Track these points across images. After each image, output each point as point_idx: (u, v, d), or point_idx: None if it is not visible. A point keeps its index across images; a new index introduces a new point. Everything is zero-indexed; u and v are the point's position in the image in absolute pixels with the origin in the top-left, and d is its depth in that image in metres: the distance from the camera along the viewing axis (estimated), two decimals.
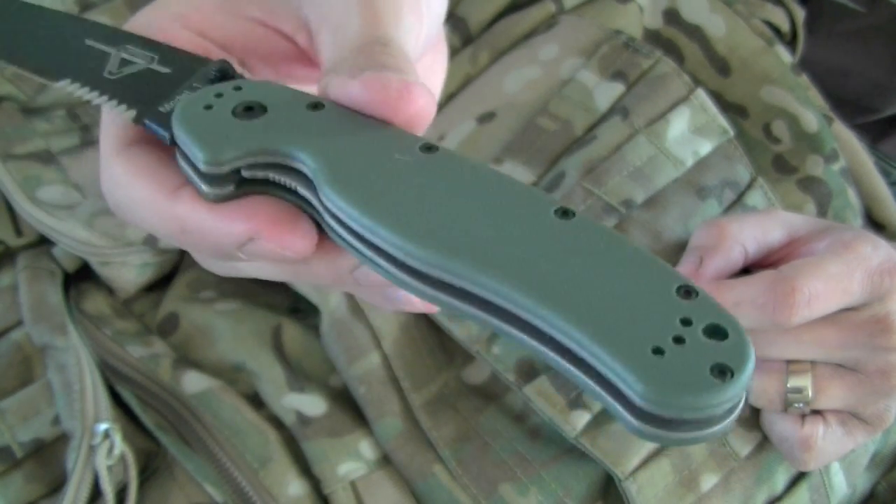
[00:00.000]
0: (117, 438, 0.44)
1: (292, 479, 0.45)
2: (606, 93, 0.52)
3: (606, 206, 0.49)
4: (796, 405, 0.44)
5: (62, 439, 0.46)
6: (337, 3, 0.30)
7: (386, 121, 0.28)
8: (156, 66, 0.31)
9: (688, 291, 0.25)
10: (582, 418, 0.44)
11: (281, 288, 0.50)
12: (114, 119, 0.30)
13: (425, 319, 0.48)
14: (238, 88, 0.29)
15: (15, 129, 0.52)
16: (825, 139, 0.57)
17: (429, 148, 0.27)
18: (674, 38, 0.60)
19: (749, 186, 0.52)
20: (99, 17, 0.54)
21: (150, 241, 0.48)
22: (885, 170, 0.62)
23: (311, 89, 0.31)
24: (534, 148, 0.51)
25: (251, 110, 0.28)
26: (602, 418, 0.44)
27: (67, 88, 0.32)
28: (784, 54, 0.59)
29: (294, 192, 0.28)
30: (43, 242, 0.53)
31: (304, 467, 0.46)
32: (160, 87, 0.30)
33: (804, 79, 0.59)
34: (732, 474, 0.46)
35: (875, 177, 0.60)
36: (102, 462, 0.43)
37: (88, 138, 0.55)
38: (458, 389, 0.48)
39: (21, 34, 0.34)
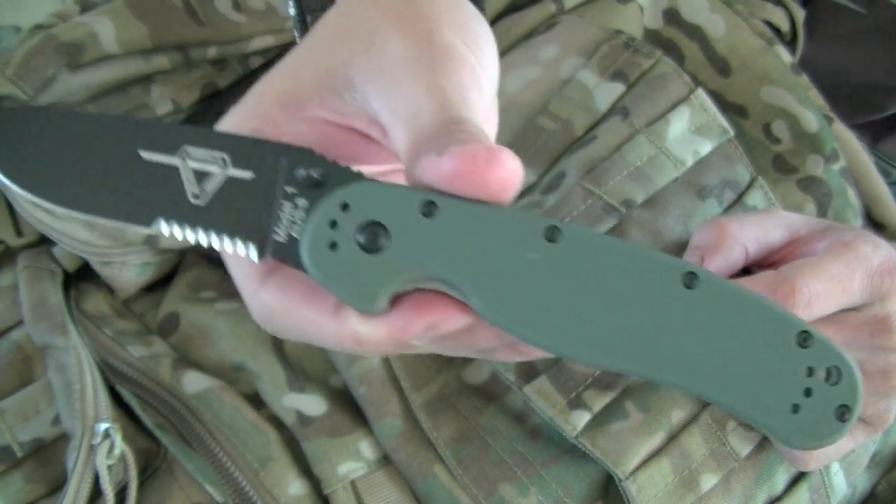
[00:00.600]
0: (117, 438, 0.44)
1: (293, 479, 0.45)
2: (606, 93, 0.52)
3: (607, 205, 0.49)
4: None
5: (62, 439, 0.46)
6: (405, 95, 0.31)
7: (484, 195, 0.28)
8: (233, 172, 0.30)
9: (805, 337, 0.27)
10: (582, 418, 0.44)
11: None
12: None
13: None
14: (345, 207, 0.28)
15: None
16: (825, 139, 0.57)
17: (552, 234, 0.28)
18: (674, 38, 0.60)
19: (749, 186, 0.52)
20: (99, 17, 0.54)
21: (151, 240, 0.48)
22: (885, 170, 0.62)
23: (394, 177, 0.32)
24: (534, 148, 0.51)
25: (374, 236, 0.28)
26: (602, 418, 0.44)
27: (163, 231, 0.30)
28: (784, 54, 0.59)
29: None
30: (43, 242, 0.53)
31: (305, 467, 0.46)
32: (254, 200, 0.29)
33: (804, 79, 0.59)
34: (732, 474, 0.46)
35: (875, 177, 0.60)
36: (102, 462, 0.43)
37: None
38: (459, 389, 0.48)
39: (67, 168, 0.30)
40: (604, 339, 0.28)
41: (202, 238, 0.30)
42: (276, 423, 0.47)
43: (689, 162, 0.51)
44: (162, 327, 0.51)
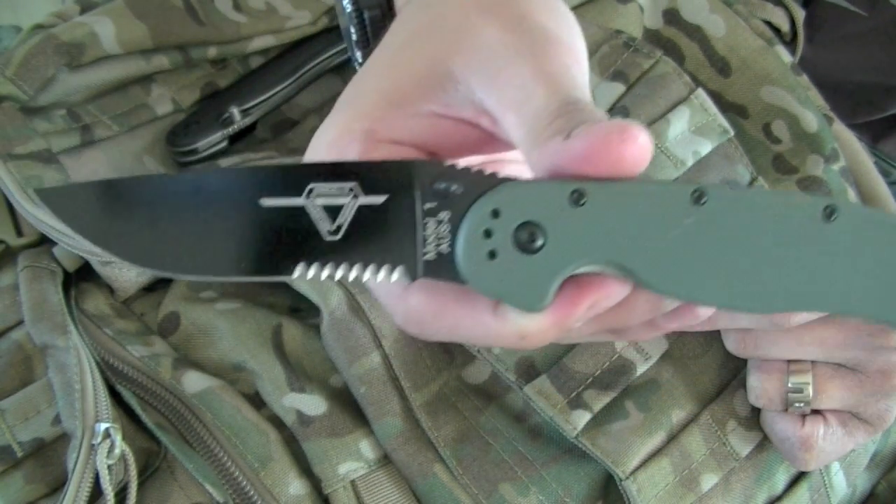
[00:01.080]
0: (118, 438, 0.44)
1: (293, 479, 0.45)
2: (607, 93, 0.52)
3: None
4: (797, 405, 0.44)
5: (62, 439, 0.46)
6: (511, 83, 0.31)
7: (618, 172, 0.28)
8: (364, 200, 0.29)
9: None
10: (582, 418, 0.44)
11: (281, 288, 0.50)
12: None
13: None
14: (496, 213, 0.28)
15: (15, 129, 0.52)
16: (825, 139, 0.57)
17: (699, 196, 0.28)
18: (674, 38, 0.60)
19: (749, 186, 0.52)
20: (99, 17, 0.54)
21: None
22: (885, 170, 0.62)
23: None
24: None
25: (531, 236, 0.28)
26: (602, 418, 0.44)
27: (304, 275, 0.29)
28: (784, 54, 0.59)
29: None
30: (44, 242, 0.53)
31: (305, 467, 0.46)
32: (392, 223, 0.29)
33: (804, 79, 0.59)
34: (733, 474, 0.46)
35: (875, 177, 0.60)
36: (103, 461, 0.43)
37: (89, 138, 0.55)
38: (459, 389, 0.48)
39: (185, 236, 0.29)
40: (763, 285, 0.29)
41: (346, 273, 0.29)
42: (277, 422, 0.47)
43: (690, 162, 0.51)
44: (162, 327, 0.51)
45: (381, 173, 0.29)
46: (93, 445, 0.44)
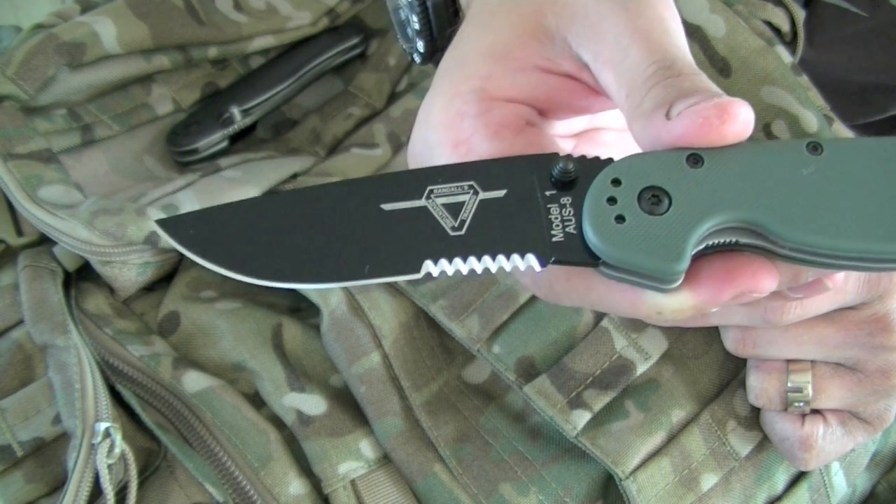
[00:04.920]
0: (118, 437, 0.44)
1: (293, 479, 0.45)
2: None
3: None
4: (796, 404, 0.44)
5: (62, 438, 0.46)
6: (605, 40, 0.31)
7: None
8: (485, 195, 0.30)
9: None
10: (582, 418, 0.44)
11: (281, 287, 0.50)
12: None
13: (426, 319, 0.48)
14: (617, 182, 0.29)
15: (16, 129, 0.52)
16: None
17: (815, 148, 0.29)
18: None
19: None
20: (100, 17, 0.54)
21: (151, 240, 0.48)
22: None
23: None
24: None
25: (657, 199, 0.28)
26: (602, 418, 0.44)
27: (432, 272, 0.29)
28: (784, 54, 0.59)
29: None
30: (44, 241, 0.53)
31: (305, 466, 0.46)
32: (515, 214, 0.29)
33: (804, 79, 0.59)
34: (732, 474, 0.46)
35: None
36: (103, 461, 0.43)
37: (89, 138, 0.55)
38: (459, 389, 0.48)
39: (312, 247, 0.29)
40: (876, 225, 0.29)
41: (475, 265, 0.29)
42: (277, 422, 0.47)
43: None
44: (162, 327, 0.51)
45: (496, 170, 0.30)
46: (93, 445, 0.44)
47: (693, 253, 0.28)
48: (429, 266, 0.29)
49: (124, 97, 0.57)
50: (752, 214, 0.28)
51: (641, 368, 0.46)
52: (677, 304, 0.29)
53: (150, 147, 0.57)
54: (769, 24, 0.62)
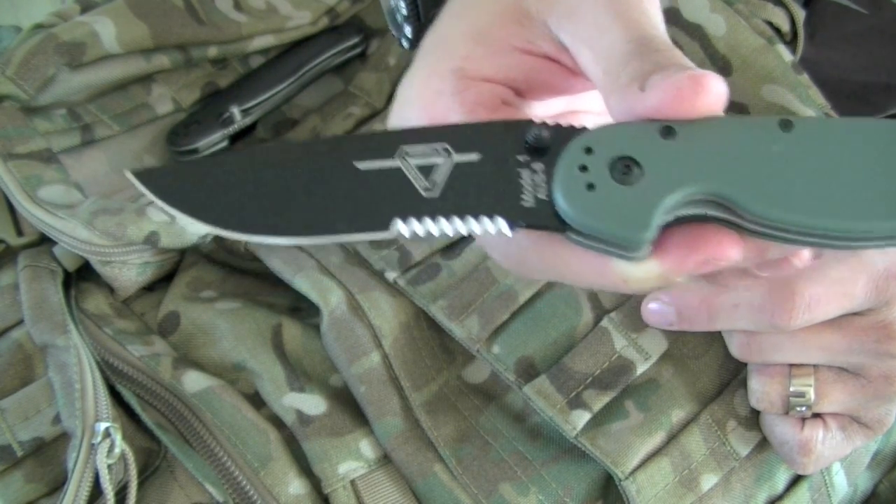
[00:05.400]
0: (118, 437, 0.44)
1: (293, 479, 0.45)
2: None
3: None
4: (798, 409, 0.44)
5: (62, 438, 0.46)
6: (584, 20, 0.31)
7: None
8: (459, 158, 0.30)
9: None
10: (582, 418, 0.44)
11: (281, 287, 0.50)
12: None
13: (426, 319, 0.48)
14: (589, 150, 0.29)
15: (16, 129, 0.52)
16: None
17: (786, 125, 0.30)
18: (675, 37, 0.60)
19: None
20: (100, 17, 0.54)
21: (151, 240, 0.48)
22: None
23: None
24: None
25: (627, 168, 0.29)
26: (602, 418, 0.44)
27: (402, 231, 0.29)
28: (785, 53, 0.59)
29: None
30: (44, 241, 0.53)
31: (305, 466, 0.46)
32: (488, 178, 0.30)
33: (805, 77, 0.59)
34: (733, 474, 0.46)
35: None
36: (103, 461, 0.43)
37: (89, 137, 0.55)
38: (459, 389, 0.48)
39: (286, 200, 0.30)
40: (843, 204, 0.29)
41: (446, 227, 0.29)
42: (277, 422, 0.47)
43: None
44: (162, 327, 0.51)
45: (470, 133, 0.30)
46: (93, 445, 0.44)
47: (662, 224, 0.29)
48: (398, 225, 0.29)
49: (124, 97, 0.57)
50: (721, 188, 0.29)
51: (641, 368, 0.46)
52: (643, 273, 0.30)
53: (150, 147, 0.57)
54: (769, 23, 0.61)
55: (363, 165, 0.30)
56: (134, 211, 0.48)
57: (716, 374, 0.47)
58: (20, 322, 0.50)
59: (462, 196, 0.29)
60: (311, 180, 0.30)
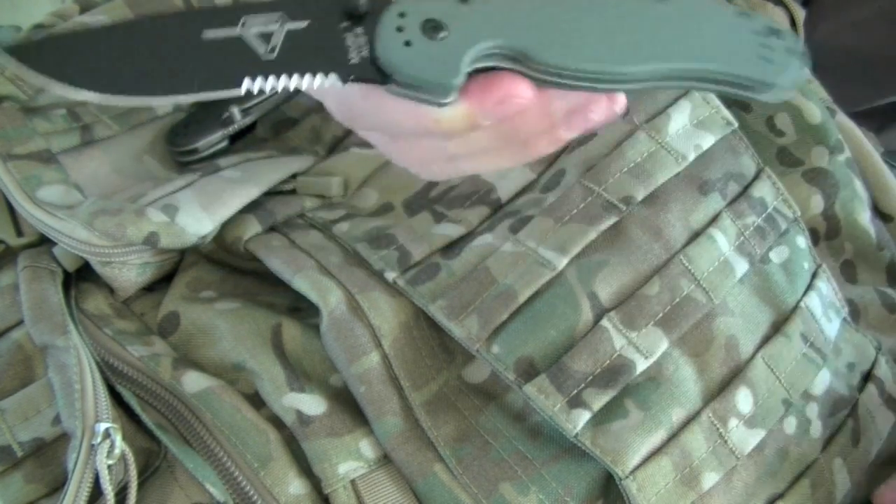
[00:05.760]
0: (118, 438, 0.44)
1: (293, 479, 0.45)
2: None
3: (606, 202, 0.48)
4: None
5: (62, 439, 0.46)
6: None
7: None
8: (291, 25, 0.35)
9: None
10: (582, 417, 0.44)
11: (281, 287, 0.50)
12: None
13: (426, 319, 0.48)
14: (402, 14, 0.35)
15: (15, 129, 0.52)
16: (829, 130, 0.56)
17: None
18: None
19: (756, 178, 0.52)
20: (99, 16, 0.54)
21: (151, 240, 0.48)
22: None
23: None
24: None
25: (435, 28, 0.35)
26: (602, 417, 0.44)
27: (249, 87, 0.34)
28: None
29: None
30: (44, 242, 0.53)
31: (305, 466, 0.46)
32: (318, 41, 0.35)
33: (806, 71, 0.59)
34: (734, 472, 0.46)
35: (881, 167, 0.59)
36: (103, 461, 0.43)
37: (89, 138, 0.55)
38: (459, 388, 0.47)
39: (140, 65, 0.34)
40: (630, 48, 0.37)
41: (287, 83, 0.35)
42: (276, 422, 0.47)
43: (691, 156, 0.51)
44: (162, 327, 0.51)
45: (303, 4, 0.36)
46: (93, 445, 0.44)
47: (467, 72, 0.35)
48: (248, 83, 0.34)
49: None
50: (510, 41, 0.36)
51: (641, 367, 0.45)
52: (452, 114, 0.36)
53: (149, 147, 0.56)
54: None
55: (210, 34, 0.35)
56: (133, 211, 0.48)
57: (717, 372, 0.47)
58: (20, 323, 0.50)
59: (297, 56, 0.35)
60: (170, 49, 0.34)
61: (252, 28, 0.35)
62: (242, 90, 0.34)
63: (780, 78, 0.38)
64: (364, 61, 0.35)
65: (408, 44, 0.35)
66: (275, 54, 0.35)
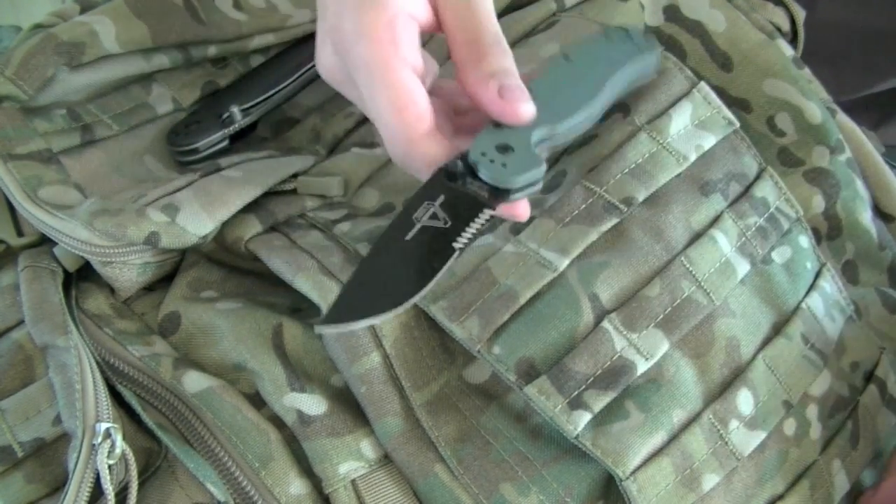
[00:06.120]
0: (118, 438, 0.44)
1: (293, 479, 0.45)
2: None
3: (607, 203, 0.48)
4: None
5: (63, 439, 0.46)
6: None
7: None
8: (437, 202, 0.42)
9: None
10: (582, 418, 0.44)
11: (282, 287, 0.50)
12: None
13: (427, 319, 0.48)
14: (483, 154, 0.42)
15: (16, 129, 0.52)
16: (830, 130, 0.56)
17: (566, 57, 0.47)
18: (675, 34, 0.59)
19: (758, 177, 0.52)
20: (99, 16, 0.54)
21: (151, 241, 0.48)
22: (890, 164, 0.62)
23: None
24: None
25: (504, 148, 0.43)
26: (602, 418, 0.44)
27: (460, 248, 0.41)
28: (785, 47, 0.59)
29: None
30: (44, 242, 0.53)
31: (306, 466, 0.46)
32: (460, 200, 0.42)
33: (806, 71, 0.59)
34: (734, 474, 0.46)
35: (882, 167, 0.59)
36: (103, 461, 0.43)
37: (89, 138, 0.55)
38: (460, 389, 0.47)
39: (397, 276, 0.41)
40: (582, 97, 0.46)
41: (471, 235, 0.42)
42: (277, 422, 0.47)
43: (693, 156, 0.51)
44: (163, 327, 0.51)
45: (426, 189, 0.43)
46: (93, 445, 0.44)
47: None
48: (456, 247, 0.42)
49: (124, 97, 0.57)
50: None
51: (642, 368, 0.45)
52: None
53: (150, 147, 0.56)
54: (770, 23, 0.61)
55: (410, 236, 0.41)
56: (134, 211, 0.48)
57: (718, 373, 0.47)
58: (20, 323, 0.50)
59: (463, 217, 0.42)
60: (396, 262, 0.41)
61: (424, 218, 0.42)
62: (457, 254, 0.41)
63: (653, 57, 0.49)
64: (490, 192, 0.42)
65: (501, 164, 0.42)
66: (449, 222, 0.42)
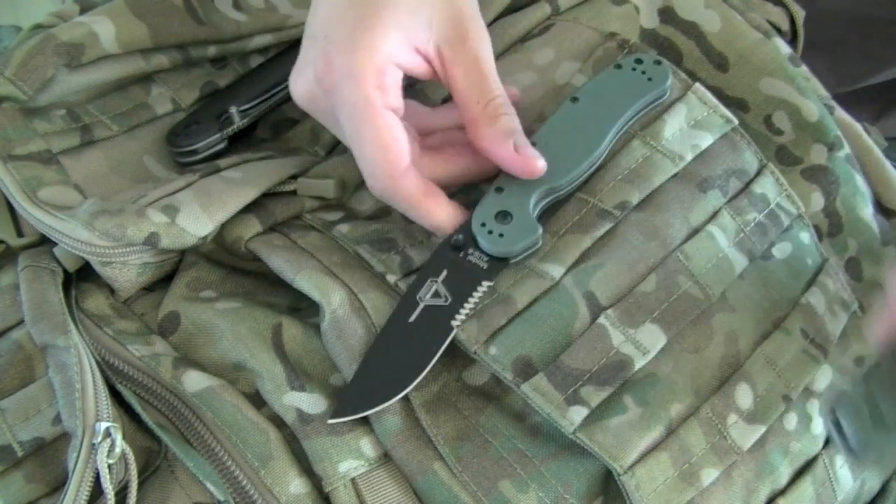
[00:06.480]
0: (118, 437, 0.44)
1: (293, 478, 0.45)
2: None
3: (601, 211, 0.49)
4: None
5: (63, 438, 0.46)
6: (468, 53, 0.48)
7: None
8: (439, 277, 0.48)
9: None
10: (579, 413, 0.44)
11: (281, 287, 0.50)
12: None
13: None
14: (483, 224, 0.48)
15: (15, 130, 0.52)
16: (828, 127, 0.56)
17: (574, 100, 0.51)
18: (671, 36, 0.60)
19: (758, 174, 0.52)
20: (99, 17, 0.54)
21: (151, 241, 0.48)
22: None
23: None
24: None
25: (505, 216, 0.48)
26: (600, 413, 0.44)
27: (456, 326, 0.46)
28: (782, 45, 0.59)
29: None
30: (44, 242, 0.53)
31: (305, 465, 0.46)
32: (463, 273, 0.48)
33: (804, 69, 0.59)
34: (734, 468, 0.45)
35: (882, 162, 0.59)
36: (103, 461, 0.43)
37: (88, 138, 0.55)
38: (459, 390, 0.47)
39: (399, 361, 0.47)
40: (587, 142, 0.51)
41: (476, 299, 0.48)
42: (277, 421, 0.47)
43: (689, 156, 0.51)
44: (162, 327, 0.51)
45: (433, 261, 0.48)
46: (93, 445, 0.44)
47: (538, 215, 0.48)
48: (454, 325, 0.46)
49: (123, 97, 0.57)
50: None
51: (639, 363, 0.45)
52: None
53: (149, 147, 0.57)
54: (769, 23, 0.61)
55: (413, 318, 0.46)
56: (134, 212, 0.48)
57: (716, 367, 0.47)
58: (20, 322, 0.50)
59: (465, 291, 0.47)
60: (398, 345, 0.46)
61: (427, 297, 0.46)
62: (454, 332, 0.46)
63: (664, 89, 0.51)
64: (490, 262, 0.47)
65: (499, 234, 0.47)
66: (449, 299, 0.46)
